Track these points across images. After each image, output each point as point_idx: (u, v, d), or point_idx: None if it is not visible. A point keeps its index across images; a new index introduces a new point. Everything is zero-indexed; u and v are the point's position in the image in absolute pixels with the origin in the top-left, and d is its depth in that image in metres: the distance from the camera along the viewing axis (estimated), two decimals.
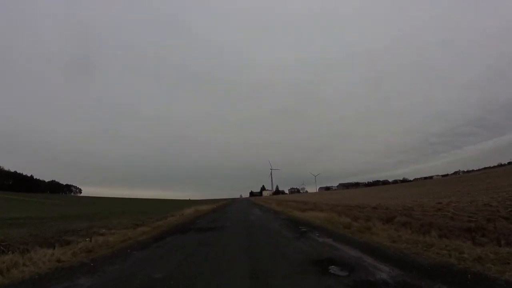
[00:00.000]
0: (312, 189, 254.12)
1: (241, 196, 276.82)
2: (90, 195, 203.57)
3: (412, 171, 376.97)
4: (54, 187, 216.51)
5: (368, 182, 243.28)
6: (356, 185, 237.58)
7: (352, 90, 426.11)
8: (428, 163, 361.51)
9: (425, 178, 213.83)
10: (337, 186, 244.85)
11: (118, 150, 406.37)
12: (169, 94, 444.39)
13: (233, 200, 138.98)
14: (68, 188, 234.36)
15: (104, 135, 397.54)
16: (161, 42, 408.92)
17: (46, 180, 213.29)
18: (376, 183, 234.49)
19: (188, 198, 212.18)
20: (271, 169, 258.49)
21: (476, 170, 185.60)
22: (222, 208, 46.57)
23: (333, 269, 7.05)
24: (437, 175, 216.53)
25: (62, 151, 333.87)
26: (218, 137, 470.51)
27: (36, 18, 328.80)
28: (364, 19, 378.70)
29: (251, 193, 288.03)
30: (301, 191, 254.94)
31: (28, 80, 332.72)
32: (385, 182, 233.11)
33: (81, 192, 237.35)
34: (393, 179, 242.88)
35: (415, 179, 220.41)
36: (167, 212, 36.03)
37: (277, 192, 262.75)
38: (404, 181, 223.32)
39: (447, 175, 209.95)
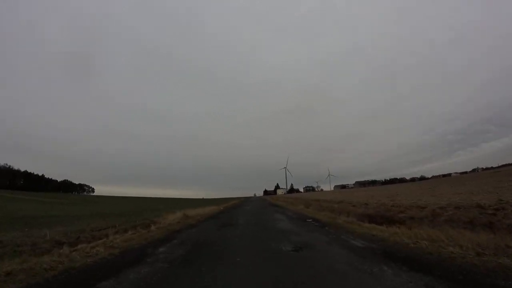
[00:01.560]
0: (326, 187, 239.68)
1: (255, 195, 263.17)
2: (101, 194, 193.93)
3: (427, 169, 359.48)
4: (67, 187, 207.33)
5: (385, 180, 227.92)
6: (373, 183, 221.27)
7: (364, 89, 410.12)
8: (443, 161, 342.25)
9: (444, 175, 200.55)
10: (353, 184, 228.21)
11: (134, 149, 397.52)
12: (171, 92, 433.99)
13: (247, 199, 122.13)
14: (81, 187, 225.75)
15: (118, 134, 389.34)
16: (168, 41, 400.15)
17: (59, 180, 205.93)
18: (393, 181, 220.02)
19: (202, 197, 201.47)
20: (286, 168, 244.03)
21: (496, 167, 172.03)
22: (227, 213, 31.04)
23: None
24: (456, 173, 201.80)
25: (78, 150, 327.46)
26: (231, 136, 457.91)
27: (38, 17, 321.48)
28: (375, 19, 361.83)
29: (265, 192, 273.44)
30: (316, 189, 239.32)
31: (38, 79, 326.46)
32: (402, 180, 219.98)
33: (93, 192, 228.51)
34: (410, 177, 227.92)
35: (433, 177, 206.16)
36: (146, 218, 22.77)
37: (292, 190, 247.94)
38: (422, 178, 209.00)
39: (465, 172, 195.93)
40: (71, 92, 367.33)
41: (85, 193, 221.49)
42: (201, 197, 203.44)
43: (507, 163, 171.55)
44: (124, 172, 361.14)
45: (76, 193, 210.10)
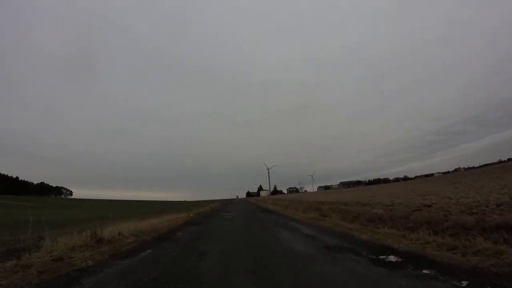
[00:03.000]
0: (309, 188, 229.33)
1: (237, 196, 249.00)
2: (79, 198, 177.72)
3: (407, 169, 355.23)
4: (43, 189, 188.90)
5: (369, 181, 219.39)
6: (358, 183, 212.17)
7: (349, 90, 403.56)
8: (424, 161, 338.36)
9: (426, 175, 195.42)
10: (337, 185, 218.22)
11: (116, 150, 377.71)
12: (171, 93, 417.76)
13: (229, 202, 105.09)
14: (58, 190, 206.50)
15: (115, 135, 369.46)
16: (167, 41, 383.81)
17: (35, 182, 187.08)
18: (377, 181, 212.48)
19: (183, 200, 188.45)
20: (268, 169, 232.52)
21: (477, 167, 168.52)
22: (195, 226, 18.45)
23: None
24: (438, 173, 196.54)
25: (57, 152, 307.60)
26: (213, 137, 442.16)
27: (38, 19, 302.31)
28: (364, 19, 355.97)
29: (248, 193, 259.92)
30: (300, 190, 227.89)
31: (22, 79, 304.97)
32: (386, 180, 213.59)
33: (71, 194, 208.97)
34: (394, 177, 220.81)
35: (416, 177, 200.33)
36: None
37: (275, 192, 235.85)
38: (405, 179, 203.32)
39: (448, 172, 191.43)
40: (67, 93, 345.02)
41: (62, 196, 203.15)
42: (183, 200, 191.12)
43: (487, 163, 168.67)
44: (116, 174, 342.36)
45: (52, 196, 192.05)
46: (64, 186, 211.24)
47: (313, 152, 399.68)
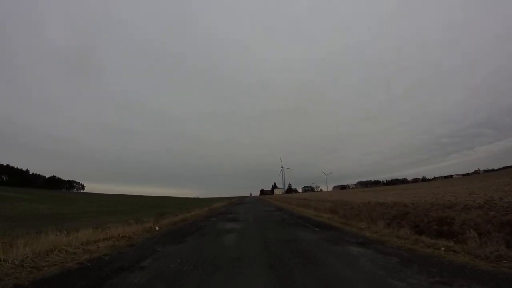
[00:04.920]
0: (323, 188, 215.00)
1: (250, 194, 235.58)
2: (87, 192, 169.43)
3: (422, 171, 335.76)
4: (54, 183, 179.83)
5: (386, 181, 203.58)
6: (376, 183, 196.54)
7: (351, 90, 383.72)
8: (437, 164, 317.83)
9: (445, 177, 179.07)
10: (355, 185, 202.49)
11: (135, 147, 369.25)
12: (176, 92, 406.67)
13: (240, 200, 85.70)
14: (70, 184, 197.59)
15: (118, 133, 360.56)
16: (168, 41, 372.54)
17: (47, 176, 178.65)
18: (395, 181, 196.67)
19: (196, 196, 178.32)
20: (282, 167, 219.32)
21: (497, 170, 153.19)
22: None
23: None
24: (457, 174, 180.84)
25: (71, 147, 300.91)
26: (228, 135, 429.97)
27: (38, 14, 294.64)
28: (370, 19, 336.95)
29: (262, 192, 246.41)
30: (315, 189, 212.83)
31: (28, 75, 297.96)
32: (404, 181, 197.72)
33: (83, 188, 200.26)
34: (412, 178, 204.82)
35: (434, 178, 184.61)
36: None
37: (290, 190, 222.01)
38: (424, 180, 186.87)
39: (468, 174, 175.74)
40: (69, 90, 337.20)
41: (74, 189, 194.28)
42: (196, 196, 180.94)
43: (507, 165, 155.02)
44: (125, 170, 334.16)
45: (64, 189, 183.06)
46: (76, 180, 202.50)
47: (315, 153, 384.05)
